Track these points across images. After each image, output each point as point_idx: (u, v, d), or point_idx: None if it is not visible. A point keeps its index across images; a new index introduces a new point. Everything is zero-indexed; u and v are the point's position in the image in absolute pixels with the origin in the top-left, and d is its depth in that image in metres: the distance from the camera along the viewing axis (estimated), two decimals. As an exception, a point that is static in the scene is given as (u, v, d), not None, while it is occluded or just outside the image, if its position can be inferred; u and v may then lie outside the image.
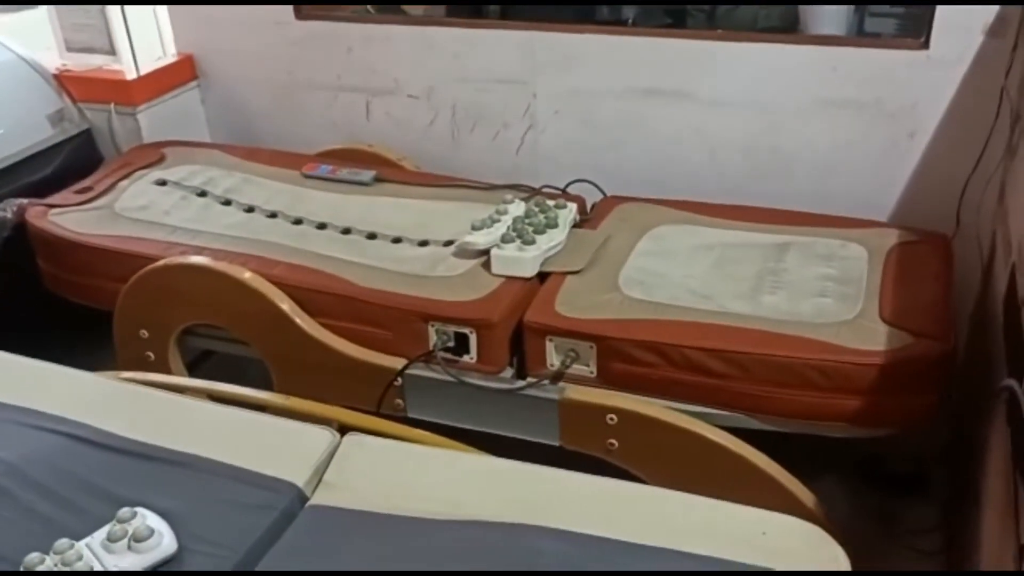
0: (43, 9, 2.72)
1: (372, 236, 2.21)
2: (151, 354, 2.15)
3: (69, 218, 2.25)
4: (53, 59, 2.73)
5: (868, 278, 1.89)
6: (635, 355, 1.80)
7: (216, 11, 2.67)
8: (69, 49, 2.72)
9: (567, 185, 2.33)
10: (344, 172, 2.45)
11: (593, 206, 2.29)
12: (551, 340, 1.86)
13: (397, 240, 2.19)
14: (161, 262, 2.06)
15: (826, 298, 1.84)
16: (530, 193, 2.30)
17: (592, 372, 1.86)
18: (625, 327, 1.82)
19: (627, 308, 1.86)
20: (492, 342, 1.90)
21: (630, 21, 3.42)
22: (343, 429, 1.64)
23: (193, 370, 2.24)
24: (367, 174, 2.43)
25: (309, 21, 2.59)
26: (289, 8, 2.58)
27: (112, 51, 2.67)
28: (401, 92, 2.58)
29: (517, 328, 1.92)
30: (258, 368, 2.11)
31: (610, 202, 2.29)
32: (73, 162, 2.64)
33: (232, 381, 2.31)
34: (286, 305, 1.98)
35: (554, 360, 1.88)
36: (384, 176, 2.43)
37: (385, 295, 1.95)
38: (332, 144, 2.60)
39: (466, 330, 1.90)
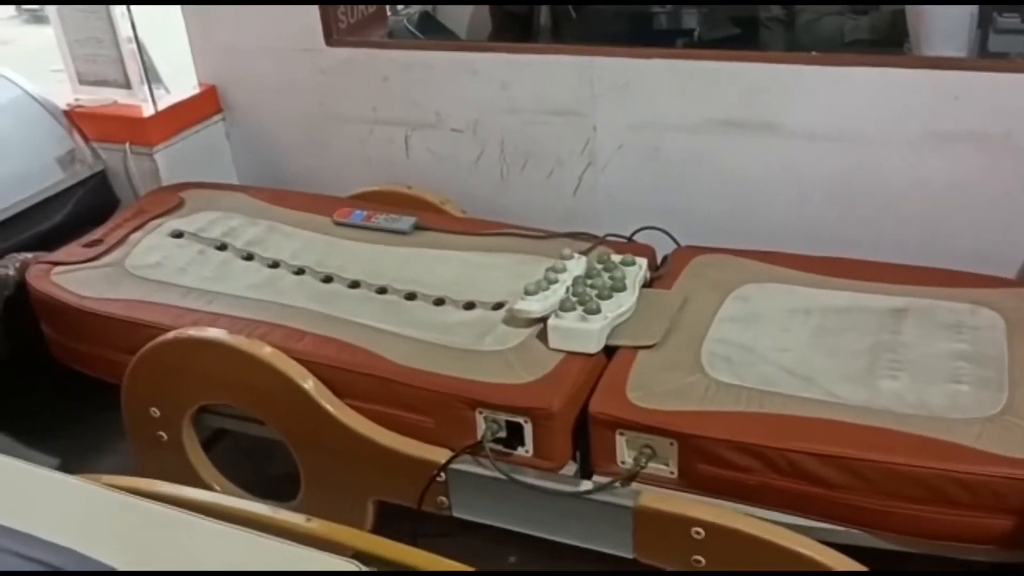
0: (50, 34, 2.51)
1: (411, 296, 1.93)
2: (164, 434, 1.90)
3: (74, 278, 2.00)
4: (64, 94, 2.51)
5: (1011, 356, 1.56)
6: (727, 457, 1.49)
7: (240, 38, 2.42)
8: (82, 82, 2.49)
9: (634, 233, 2.02)
10: (380, 219, 2.18)
11: (664, 259, 1.98)
12: (622, 434, 1.57)
13: (440, 302, 1.91)
14: (171, 335, 1.80)
15: (960, 384, 1.52)
16: (592, 243, 2.01)
17: (672, 473, 1.56)
18: (714, 422, 1.51)
19: (715, 396, 1.56)
20: (551, 434, 1.61)
21: (696, 33, 3.11)
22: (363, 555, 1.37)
23: (211, 448, 1.99)
24: (406, 221, 2.15)
25: (341, 48, 2.32)
26: (318, 33, 2.31)
27: (127, 84, 2.44)
28: (444, 125, 2.30)
29: (580, 415, 1.64)
30: (283, 449, 1.85)
31: (684, 254, 1.98)
32: (86, 207, 2.41)
33: (253, 463, 2.09)
34: (311, 386, 1.70)
35: (626, 457, 1.58)
36: (425, 223, 2.15)
37: (426, 376, 1.67)
38: (367, 184, 2.34)
39: (520, 419, 1.61)
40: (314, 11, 2.30)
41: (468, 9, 3.36)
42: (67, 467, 2.25)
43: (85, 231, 2.36)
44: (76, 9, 2.39)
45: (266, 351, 1.73)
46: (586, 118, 2.13)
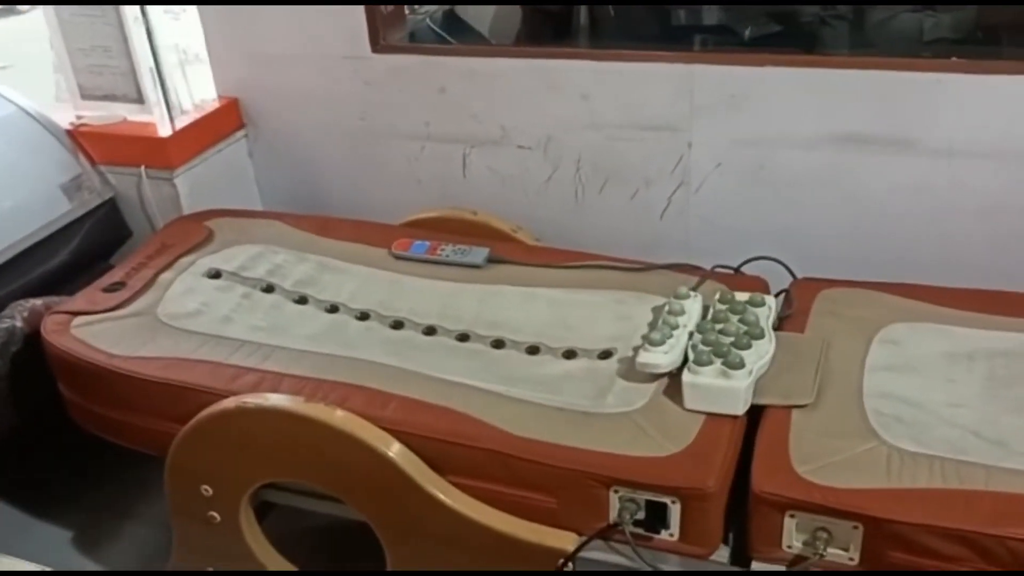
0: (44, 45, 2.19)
1: (499, 344, 1.67)
2: (216, 515, 1.61)
3: (99, 331, 1.70)
4: (62, 111, 2.19)
5: None
6: (927, 544, 1.25)
7: (267, 44, 2.13)
8: (84, 96, 2.18)
9: (743, 264, 1.78)
10: (447, 251, 1.90)
11: (784, 294, 1.74)
12: (793, 516, 1.32)
13: (534, 350, 1.65)
14: (229, 403, 1.51)
15: None
16: (699, 275, 1.76)
17: (853, 559, 1.31)
18: (910, 503, 1.26)
19: (901, 469, 1.31)
20: (705, 515, 1.36)
21: (747, 34, 2.87)
22: None
23: (262, 521, 1.71)
24: (478, 253, 1.88)
25: (390, 55, 2.04)
26: (363, 38, 2.03)
27: (139, 99, 2.13)
28: (509, 142, 2.03)
29: (732, 491, 1.39)
30: (358, 528, 1.58)
31: (806, 287, 1.73)
32: (95, 241, 2.10)
33: (314, 541, 1.82)
34: (408, 462, 1.44)
35: (794, 541, 1.33)
36: (499, 255, 1.89)
37: (548, 449, 1.41)
38: (418, 209, 2.05)
39: (667, 499, 1.36)
40: (358, 12, 2.02)
41: (491, 8, 3.09)
42: (84, 539, 1.98)
43: (94, 268, 2.08)
44: (78, 11, 2.07)
45: (350, 422, 1.45)
46: (681, 133, 1.88)
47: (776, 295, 1.75)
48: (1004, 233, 1.75)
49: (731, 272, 1.79)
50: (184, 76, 2.13)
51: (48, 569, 1.59)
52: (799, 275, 1.77)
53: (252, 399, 1.50)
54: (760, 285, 1.75)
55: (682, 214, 1.96)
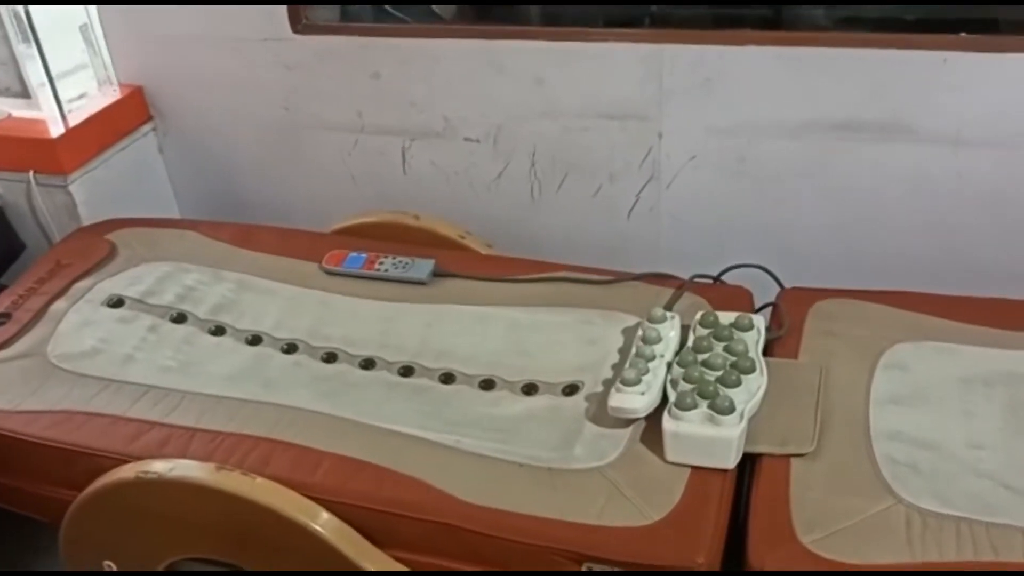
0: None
1: (448, 378, 1.44)
2: (123, 591, 1.39)
3: (-24, 378, 1.46)
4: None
5: None
6: (959, 630, 1.08)
7: (174, 24, 1.84)
8: (-39, 90, 1.89)
9: (723, 272, 1.57)
10: (387, 264, 1.66)
11: (769, 309, 1.53)
12: (798, 593, 1.13)
13: (488, 384, 1.43)
14: (128, 471, 1.26)
15: None
16: (673, 287, 1.55)
17: (868, 643, 1.13)
18: (938, 582, 1.09)
19: (922, 535, 1.11)
20: (693, 595, 1.16)
21: None
22: None
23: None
24: (422, 266, 1.64)
25: (314, 35, 1.77)
26: (283, 18, 1.75)
27: (24, 93, 1.84)
28: (454, 134, 1.78)
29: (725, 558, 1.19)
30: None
31: (796, 300, 1.52)
32: (-22, 261, 1.83)
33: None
34: (344, 543, 1.21)
35: (799, 622, 1.15)
36: (446, 268, 1.66)
37: (506, 520, 1.19)
38: (354, 213, 1.79)
39: (648, 577, 1.17)
40: (274, -12, 1.75)
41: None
42: None
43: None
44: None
45: (271, 494, 1.21)
46: (649, 122, 1.65)
47: (760, 309, 1.54)
48: (1014, 230, 1.55)
49: (710, 282, 1.58)
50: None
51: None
52: (785, 281, 1.57)
53: (153, 467, 1.26)
54: (744, 297, 1.54)
55: (652, 212, 1.74)
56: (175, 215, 2.07)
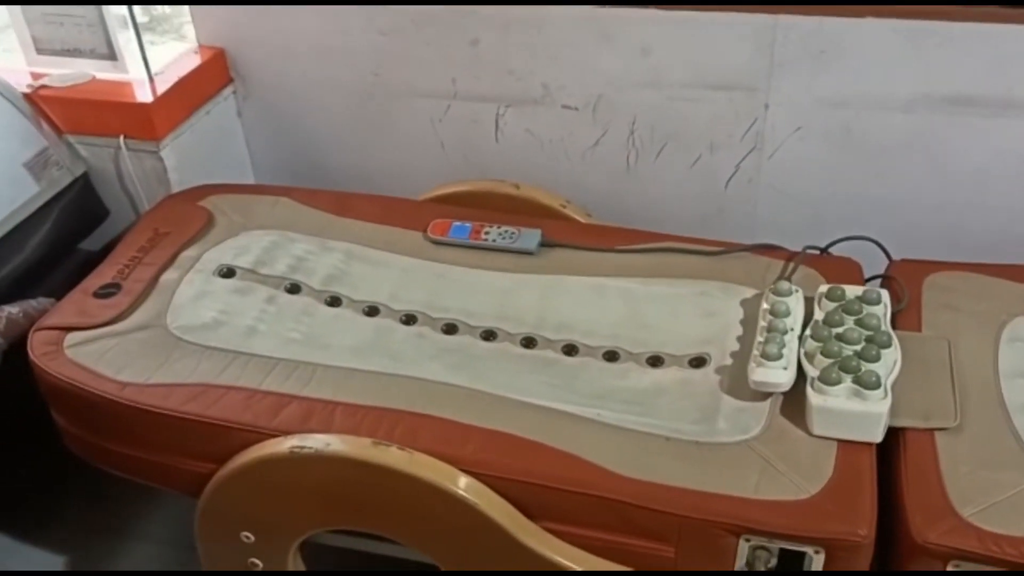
0: None
1: (571, 350, 1.45)
2: (258, 562, 1.40)
3: (100, 350, 1.42)
4: (13, 69, 1.84)
5: None
6: (1120, 598, 1.12)
7: (259, -14, 1.81)
8: (40, 51, 1.84)
9: (832, 244, 1.58)
10: (493, 233, 1.65)
11: (884, 282, 1.55)
12: (957, 565, 1.17)
13: (612, 356, 1.44)
14: (280, 446, 1.26)
15: None
16: (783, 259, 1.56)
17: (1022, 612, 1.18)
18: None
19: (1080, 507, 1.17)
20: (853, 566, 1.19)
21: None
22: None
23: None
24: (530, 236, 1.64)
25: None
26: (377, -19, 1.73)
27: (110, 54, 1.80)
28: (552, 101, 1.77)
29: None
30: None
31: (908, 273, 1.54)
32: (69, 227, 1.79)
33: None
34: (504, 517, 1.23)
35: (954, 592, 1.19)
36: (553, 238, 1.66)
37: (664, 493, 1.21)
38: (441, 181, 1.78)
39: (807, 549, 1.19)
40: (373, -50, 1.72)
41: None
42: (74, 561, 1.75)
43: (70, 259, 1.79)
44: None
45: (430, 469, 1.22)
46: (757, 93, 1.65)
47: (868, 280, 1.57)
48: None
49: (817, 253, 1.60)
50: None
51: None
52: (894, 256, 1.59)
53: (308, 442, 1.26)
54: (855, 269, 1.56)
55: (751, 183, 1.75)
56: (250, 181, 2.04)
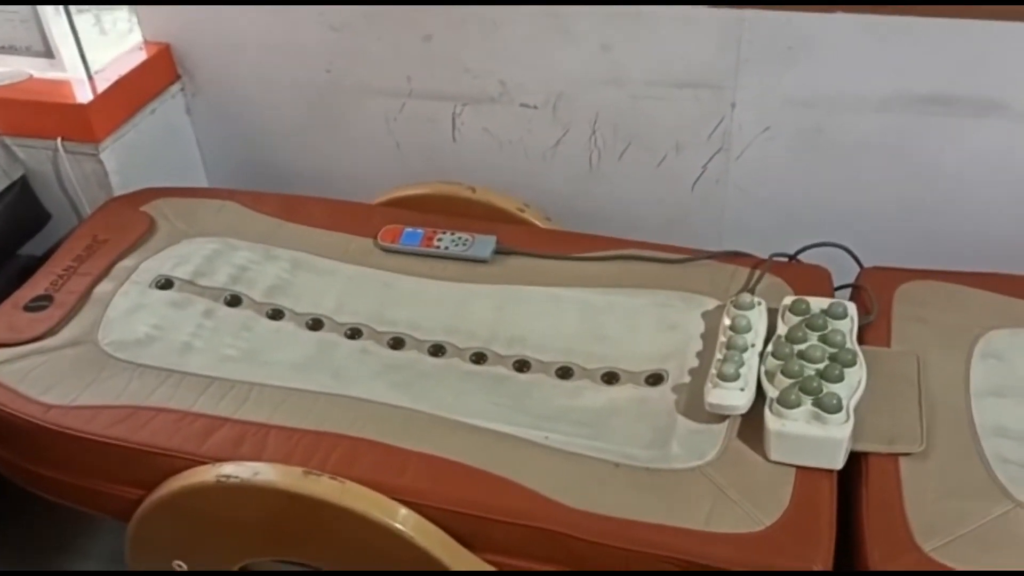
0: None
1: (523, 366, 1.38)
2: (190, 589, 1.34)
3: (26, 369, 1.35)
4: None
5: None
6: (1090, 640, 1.05)
7: (205, -21, 1.73)
8: (-25, 48, 1.76)
9: (801, 250, 1.50)
10: (446, 240, 1.58)
11: (851, 291, 1.48)
12: (919, 602, 1.10)
13: (566, 372, 1.37)
14: (207, 474, 1.19)
15: None
16: (751, 266, 1.49)
17: (989, 653, 1.11)
18: (1070, 592, 1.06)
19: (1048, 542, 1.10)
20: (809, 602, 1.13)
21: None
22: None
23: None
24: (484, 243, 1.57)
25: (362, -5, 1.67)
26: (327, -25, 1.65)
27: (47, 52, 1.72)
28: (510, 99, 1.69)
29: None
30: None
31: (878, 281, 1.46)
32: (6, 234, 1.71)
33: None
34: (441, 549, 1.16)
35: (914, 628, 1.12)
36: (508, 245, 1.58)
37: (611, 527, 1.13)
38: (398, 183, 1.69)
39: (762, 584, 1.13)
40: (319, -59, 1.63)
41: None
42: None
43: (10, 265, 1.72)
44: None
45: (363, 500, 1.15)
46: (723, 91, 1.57)
47: (837, 289, 1.49)
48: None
49: (785, 261, 1.52)
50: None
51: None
52: (864, 263, 1.51)
53: (236, 470, 1.19)
54: (823, 278, 1.48)
55: (718, 184, 1.67)
56: (203, 182, 1.97)
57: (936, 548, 1.09)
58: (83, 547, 1.75)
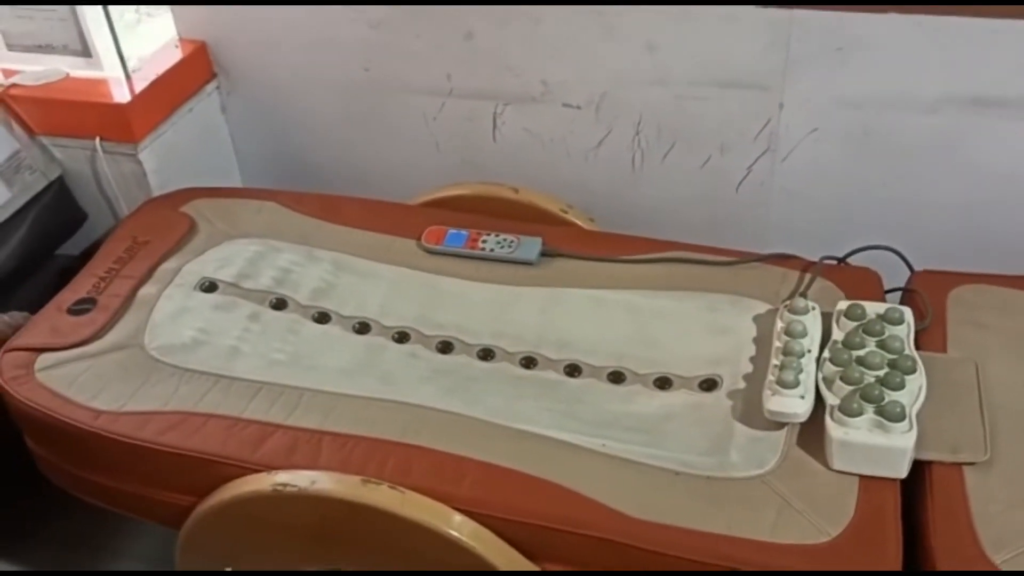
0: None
1: (574, 370, 1.37)
2: (243, 597, 1.33)
3: (72, 374, 1.34)
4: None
5: None
6: None
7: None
8: (11, 47, 1.74)
9: (851, 253, 1.48)
10: (491, 242, 1.56)
11: (899, 293, 1.46)
12: (988, 616, 1.09)
13: (617, 377, 1.35)
14: (263, 483, 1.18)
15: None
16: (800, 269, 1.47)
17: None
18: None
19: (1122, 553, 1.09)
20: (877, 613, 1.12)
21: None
22: None
23: None
24: (530, 246, 1.55)
25: (403, -7, 1.65)
26: (367, -27, 1.63)
27: (84, 51, 1.70)
28: (552, 99, 1.67)
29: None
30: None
31: (930, 285, 1.45)
32: (44, 233, 1.70)
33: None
34: (501, 558, 1.15)
35: (984, 641, 1.11)
36: (554, 247, 1.56)
37: (673, 536, 1.12)
38: (437, 183, 1.68)
39: (829, 594, 1.12)
40: (359, -62, 1.61)
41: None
42: None
43: (48, 267, 1.70)
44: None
45: (423, 510, 1.14)
46: (770, 92, 1.55)
47: (887, 292, 1.48)
48: None
49: (834, 264, 1.50)
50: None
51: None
52: (916, 267, 1.49)
53: (292, 479, 1.18)
54: (874, 281, 1.46)
55: (763, 186, 1.65)
56: (237, 182, 1.95)
57: (1007, 560, 1.08)
58: (117, 547, 1.74)
